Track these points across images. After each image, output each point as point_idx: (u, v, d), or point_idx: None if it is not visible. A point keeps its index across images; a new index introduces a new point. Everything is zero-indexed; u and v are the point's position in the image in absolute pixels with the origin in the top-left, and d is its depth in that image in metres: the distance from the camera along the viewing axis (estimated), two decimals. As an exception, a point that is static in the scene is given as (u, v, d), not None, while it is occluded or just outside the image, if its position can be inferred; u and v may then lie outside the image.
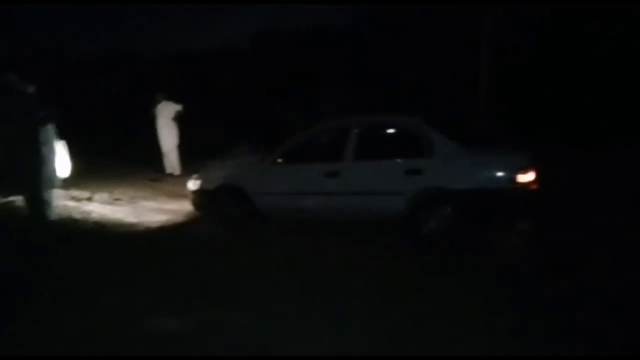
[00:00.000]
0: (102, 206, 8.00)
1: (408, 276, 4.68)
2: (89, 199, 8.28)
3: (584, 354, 3.24)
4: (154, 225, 7.15)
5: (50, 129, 5.82)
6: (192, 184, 7.05)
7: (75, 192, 8.38)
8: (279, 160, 6.39)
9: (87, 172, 8.78)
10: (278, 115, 13.91)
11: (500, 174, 5.43)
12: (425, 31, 13.51)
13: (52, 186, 5.86)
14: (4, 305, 3.95)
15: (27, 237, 5.44)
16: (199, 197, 7.02)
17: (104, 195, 8.73)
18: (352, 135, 6.05)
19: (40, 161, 5.65)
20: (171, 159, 10.92)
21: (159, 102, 10.76)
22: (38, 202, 5.70)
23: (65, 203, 7.57)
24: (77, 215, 7.05)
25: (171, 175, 10.83)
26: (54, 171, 5.75)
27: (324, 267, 4.98)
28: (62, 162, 6.85)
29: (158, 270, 4.99)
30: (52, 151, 5.77)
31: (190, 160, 10.99)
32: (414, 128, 5.89)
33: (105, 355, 2.42)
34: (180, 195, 9.36)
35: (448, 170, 5.58)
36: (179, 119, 10.83)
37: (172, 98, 10.93)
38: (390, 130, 6.22)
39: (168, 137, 10.77)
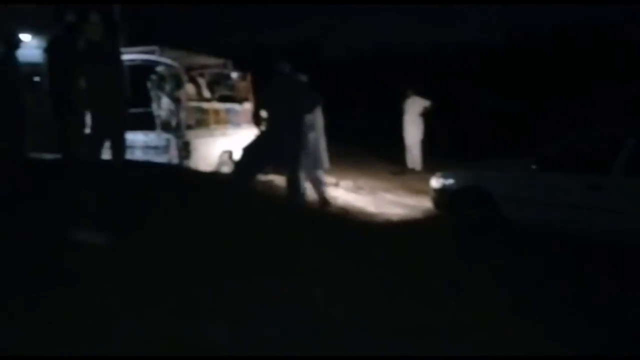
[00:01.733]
0: (347, 193, 8.39)
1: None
2: (336, 185, 8.75)
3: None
4: (393, 218, 7.21)
5: (319, 116, 6.50)
6: (435, 182, 6.90)
7: (325, 177, 8.97)
8: (534, 166, 5.84)
9: (334, 159, 9.34)
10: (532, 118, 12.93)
11: None
12: None
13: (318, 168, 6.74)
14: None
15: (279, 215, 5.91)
16: (440, 196, 6.83)
17: (348, 183, 9.17)
18: (626, 146, 5.19)
19: (302, 145, 6.16)
20: (414, 154, 10.98)
21: (408, 97, 10.89)
22: (293, 181, 6.23)
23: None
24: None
25: (412, 170, 10.90)
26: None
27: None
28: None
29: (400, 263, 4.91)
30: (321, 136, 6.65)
31: (433, 157, 10.97)
32: None
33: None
34: (420, 191, 9.34)
35: None
36: (426, 115, 10.83)
37: (421, 93, 10.96)
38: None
39: (413, 132, 10.86)
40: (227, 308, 3.12)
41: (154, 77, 7.56)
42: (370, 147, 13.32)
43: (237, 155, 6.80)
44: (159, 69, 7.56)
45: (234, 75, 9.06)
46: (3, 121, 6.22)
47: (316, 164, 6.91)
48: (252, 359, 2.51)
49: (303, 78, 6.57)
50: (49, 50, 6.32)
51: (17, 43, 6.35)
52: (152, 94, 7.57)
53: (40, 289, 3.06)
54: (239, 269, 3.69)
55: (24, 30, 7.07)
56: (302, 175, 6.37)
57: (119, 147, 6.09)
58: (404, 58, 18.61)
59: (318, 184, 7.06)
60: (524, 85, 15.10)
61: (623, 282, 4.40)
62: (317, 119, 6.79)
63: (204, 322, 2.90)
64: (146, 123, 7.62)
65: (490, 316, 3.47)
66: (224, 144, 8.23)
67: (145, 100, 7.76)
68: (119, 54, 6.06)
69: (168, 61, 7.50)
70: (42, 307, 2.87)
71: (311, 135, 6.62)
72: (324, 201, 7.05)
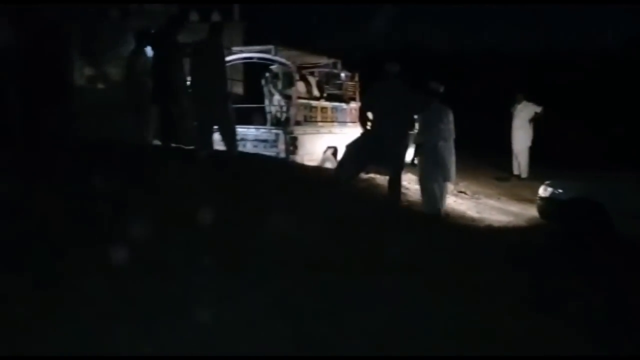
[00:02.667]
0: (447, 196, 8.30)
1: None
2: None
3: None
4: (495, 224, 7.08)
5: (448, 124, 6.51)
6: (544, 190, 6.68)
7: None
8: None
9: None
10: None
11: None
12: None
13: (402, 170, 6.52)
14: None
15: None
16: (548, 205, 6.62)
17: (449, 186, 9.06)
18: None
19: (406, 147, 6.27)
20: (520, 161, 10.63)
21: (518, 102, 10.56)
22: (395, 183, 6.34)
23: (417, 187, 8.15)
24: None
25: (518, 177, 10.57)
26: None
27: None
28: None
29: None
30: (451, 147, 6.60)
31: (540, 165, 10.56)
32: None
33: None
34: (524, 199, 9.06)
35: None
36: (536, 121, 10.45)
37: (533, 99, 10.58)
38: None
39: (522, 138, 10.52)
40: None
41: (268, 75, 7.96)
42: (474, 150, 13.02)
43: (341, 152, 7.01)
44: (273, 67, 7.95)
45: (343, 74, 9.29)
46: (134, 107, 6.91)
47: (444, 175, 6.61)
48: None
49: (436, 86, 6.56)
50: (153, 41, 6.72)
51: (146, 39, 6.96)
52: (265, 90, 7.99)
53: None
54: (337, 266, 3.80)
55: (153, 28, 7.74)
56: (428, 184, 6.50)
57: (229, 138, 6.53)
58: (514, 60, 17.92)
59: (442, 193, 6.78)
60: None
61: None
62: (446, 127, 6.55)
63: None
64: (258, 118, 8.05)
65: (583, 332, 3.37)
66: (329, 141, 8.49)
67: (258, 96, 8.20)
68: (221, 50, 6.46)
69: (282, 60, 7.87)
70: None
71: (440, 144, 6.47)
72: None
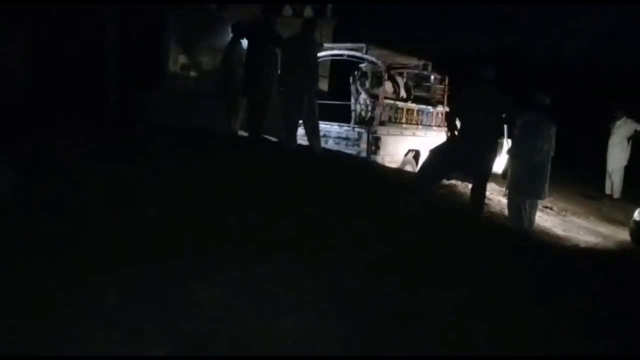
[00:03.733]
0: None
1: None
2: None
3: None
4: (582, 244, 6.71)
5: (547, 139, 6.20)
6: (639, 214, 6.27)
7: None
8: None
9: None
10: None
11: None
12: None
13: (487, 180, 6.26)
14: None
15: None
16: (641, 230, 6.20)
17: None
18: None
19: (494, 157, 6.07)
20: (614, 180, 10.03)
21: (618, 118, 9.95)
22: (479, 192, 6.14)
23: (499, 198, 7.89)
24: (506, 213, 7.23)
25: (610, 196, 9.99)
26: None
27: None
28: (500, 158, 7.17)
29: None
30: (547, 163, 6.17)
31: (635, 186, 9.93)
32: None
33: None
34: (616, 220, 8.57)
35: None
36: (635, 139, 9.81)
37: (634, 116, 9.93)
38: None
39: (617, 156, 9.90)
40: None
41: (356, 72, 7.96)
42: (563, 164, 12.41)
43: (424, 157, 6.90)
44: (363, 65, 7.93)
45: (432, 77, 9.14)
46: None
47: (537, 193, 6.21)
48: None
49: (542, 97, 6.17)
50: (249, 33, 6.88)
51: (241, 32, 7.15)
52: (352, 88, 7.99)
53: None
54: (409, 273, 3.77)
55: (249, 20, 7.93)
56: (517, 199, 6.22)
57: (314, 134, 6.61)
58: (613, 73, 16.92)
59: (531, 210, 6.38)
60: None
61: None
62: (546, 142, 6.08)
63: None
64: (342, 115, 8.07)
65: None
66: (411, 144, 8.38)
67: (344, 93, 8.22)
68: (313, 45, 6.51)
69: (372, 59, 7.85)
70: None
71: (536, 160, 6.02)
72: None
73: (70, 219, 3.60)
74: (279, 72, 6.54)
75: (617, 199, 9.80)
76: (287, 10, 10.46)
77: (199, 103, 9.60)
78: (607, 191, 10.10)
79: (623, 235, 7.43)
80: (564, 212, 8.52)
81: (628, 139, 9.84)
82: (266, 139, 7.18)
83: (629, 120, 9.86)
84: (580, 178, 11.09)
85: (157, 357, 2.47)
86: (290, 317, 2.82)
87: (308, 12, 10.79)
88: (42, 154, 4.68)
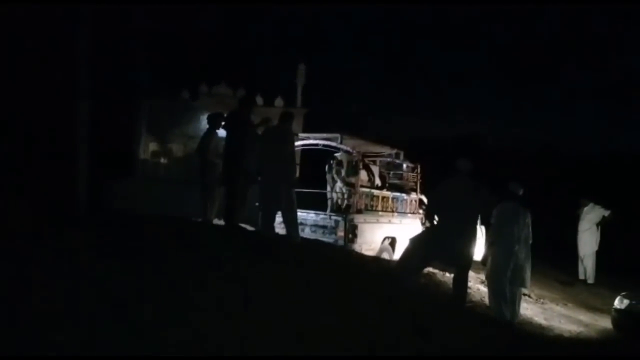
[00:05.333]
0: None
1: None
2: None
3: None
4: (565, 333, 6.59)
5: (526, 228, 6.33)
6: (621, 303, 6.26)
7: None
8: None
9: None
10: None
11: None
12: None
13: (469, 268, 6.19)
14: None
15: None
16: (624, 319, 6.19)
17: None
18: None
19: (473, 246, 6.03)
20: (586, 265, 10.13)
21: (585, 205, 10.21)
22: (461, 281, 6.05)
23: (478, 287, 7.79)
24: (487, 302, 7.11)
25: (584, 282, 10.03)
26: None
27: None
28: (479, 246, 7.17)
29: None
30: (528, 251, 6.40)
31: (606, 271, 10.04)
32: None
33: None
34: (593, 307, 8.53)
35: None
36: (603, 224, 10.03)
37: (600, 202, 10.22)
38: None
39: (588, 242, 10.07)
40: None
41: (332, 162, 8.00)
42: (535, 251, 12.54)
43: (404, 245, 6.81)
44: (338, 154, 8.00)
45: (405, 165, 9.27)
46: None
47: (519, 281, 6.35)
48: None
49: (515, 187, 6.49)
50: (226, 123, 6.89)
51: (217, 123, 7.19)
52: (328, 177, 8.01)
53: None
54: None
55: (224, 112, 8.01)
56: (499, 286, 6.22)
57: (292, 223, 6.50)
58: (575, 161, 17.64)
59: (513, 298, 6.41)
60: None
61: None
62: (523, 230, 6.37)
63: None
64: (319, 204, 8.02)
65: None
66: (387, 231, 8.32)
67: (321, 182, 8.22)
68: (291, 137, 6.58)
69: (347, 148, 7.93)
70: None
71: (516, 248, 6.26)
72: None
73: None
74: (256, 161, 6.51)
75: (591, 284, 9.84)
76: (259, 100, 10.67)
77: (171, 190, 9.48)
78: (581, 276, 10.17)
79: (603, 322, 7.37)
80: (542, 300, 8.46)
81: (597, 225, 10.05)
82: (243, 227, 7.02)
83: (597, 207, 10.12)
84: (554, 264, 11.15)
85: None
86: None
87: (279, 101, 11.04)
88: None
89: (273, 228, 6.56)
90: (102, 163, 8.05)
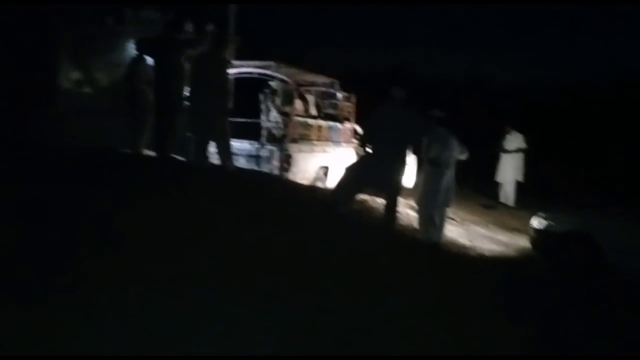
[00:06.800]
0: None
1: None
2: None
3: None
4: (487, 253, 7.08)
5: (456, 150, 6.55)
6: (537, 222, 6.74)
7: (414, 204, 8.94)
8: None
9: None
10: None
11: None
12: None
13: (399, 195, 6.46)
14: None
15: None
16: (541, 237, 6.67)
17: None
18: None
19: (403, 172, 6.25)
20: (507, 190, 10.75)
21: (507, 132, 10.70)
22: (391, 206, 6.31)
23: (407, 212, 8.13)
24: (416, 226, 7.47)
25: (504, 205, 10.66)
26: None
27: None
28: (410, 173, 7.45)
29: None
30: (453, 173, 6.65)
31: (525, 195, 10.71)
32: None
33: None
34: (513, 228, 9.13)
35: None
36: (523, 151, 10.60)
37: (520, 130, 10.74)
38: None
39: (509, 168, 10.63)
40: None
41: (267, 90, 7.89)
42: (458, 176, 13.13)
43: (338, 173, 6.96)
44: (273, 83, 7.89)
45: (340, 95, 9.29)
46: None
47: (445, 201, 6.71)
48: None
49: (439, 113, 6.67)
50: (153, 49, 6.65)
51: (144, 49, 6.86)
52: (263, 106, 7.91)
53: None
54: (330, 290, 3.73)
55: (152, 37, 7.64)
56: (427, 210, 6.51)
57: (226, 153, 6.46)
58: (498, 92, 18.24)
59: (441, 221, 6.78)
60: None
61: None
62: (451, 153, 6.65)
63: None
64: (253, 133, 7.96)
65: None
66: (322, 160, 8.44)
67: (254, 111, 8.12)
68: (224, 64, 6.41)
69: (282, 76, 7.83)
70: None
71: (445, 171, 6.56)
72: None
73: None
74: (188, 89, 6.33)
75: (511, 207, 10.50)
76: (189, 27, 10.19)
77: (96, 120, 9.06)
78: (502, 200, 10.79)
79: (521, 241, 7.95)
80: (466, 223, 8.95)
81: (518, 152, 10.59)
82: (175, 158, 6.89)
83: (518, 135, 10.64)
84: (476, 189, 11.76)
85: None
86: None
87: (211, 28, 10.58)
88: None
89: (206, 158, 6.49)
90: (23, 95, 7.59)
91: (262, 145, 7.86)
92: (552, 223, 6.53)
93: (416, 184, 6.91)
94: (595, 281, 5.79)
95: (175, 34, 6.54)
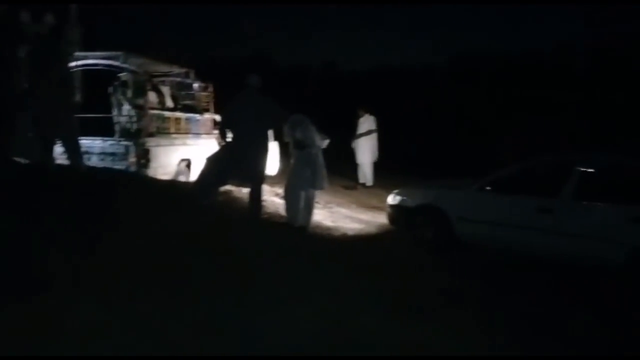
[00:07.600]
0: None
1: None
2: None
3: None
4: (350, 232, 7.43)
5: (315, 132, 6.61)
6: (392, 199, 7.18)
7: (280, 190, 9.08)
8: (488, 187, 6.22)
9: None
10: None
11: None
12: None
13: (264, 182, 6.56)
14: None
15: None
16: (396, 213, 7.12)
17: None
18: (573, 173, 5.64)
19: (266, 159, 6.32)
20: (365, 171, 11.30)
21: (360, 115, 11.23)
22: (256, 195, 6.36)
23: (272, 199, 8.25)
24: (282, 212, 7.61)
25: (363, 185, 11.22)
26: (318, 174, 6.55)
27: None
28: (273, 161, 7.56)
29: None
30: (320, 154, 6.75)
31: (383, 173, 11.36)
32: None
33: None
34: (373, 206, 9.65)
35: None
36: (376, 132, 11.22)
37: (373, 112, 11.33)
38: (620, 172, 5.66)
39: (365, 149, 11.16)
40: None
41: (116, 83, 7.46)
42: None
43: (200, 165, 6.84)
44: (122, 75, 7.47)
45: (196, 85, 9.08)
46: None
47: (314, 183, 6.75)
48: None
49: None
50: None
51: None
52: (113, 100, 7.47)
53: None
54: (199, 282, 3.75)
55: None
56: (294, 193, 6.57)
57: (74, 152, 6.05)
58: (352, 76, 19.12)
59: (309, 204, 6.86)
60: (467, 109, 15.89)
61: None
62: (314, 135, 6.73)
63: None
64: (105, 129, 7.51)
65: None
66: (183, 153, 8.23)
67: (105, 105, 7.64)
68: (65, 55, 6.01)
69: (132, 67, 7.45)
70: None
71: (312, 151, 6.66)
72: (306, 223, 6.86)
73: None
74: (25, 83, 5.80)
75: (370, 187, 11.08)
76: (25, 17, 9.27)
77: None
78: (361, 180, 11.34)
79: (381, 219, 8.43)
80: (330, 205, 9.30)
81: (368, 133, 11.18)
82: (16, 160, 6.30)
83: (371, 117, 11.23)
84: (336, 171, 12.22)
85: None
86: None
87: (49, 18, 9.72)
88: None
89: (53, 159, 6.02)
90: None
91: (117, 141, 7.45)
92: (405, 198, 6.99)
93: (280, 170, 7.02)
94: (441, 249, 6.33)
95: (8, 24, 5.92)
